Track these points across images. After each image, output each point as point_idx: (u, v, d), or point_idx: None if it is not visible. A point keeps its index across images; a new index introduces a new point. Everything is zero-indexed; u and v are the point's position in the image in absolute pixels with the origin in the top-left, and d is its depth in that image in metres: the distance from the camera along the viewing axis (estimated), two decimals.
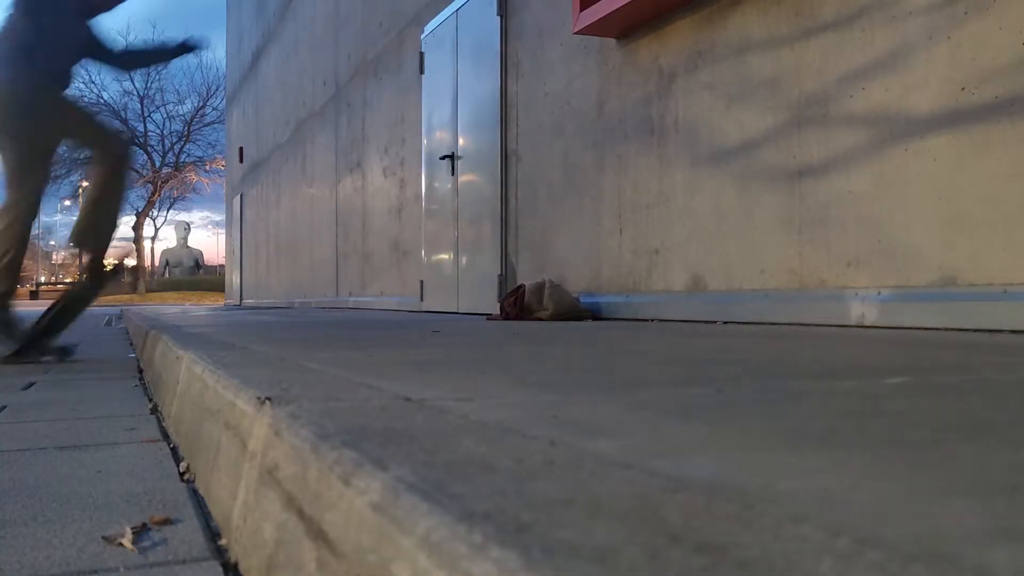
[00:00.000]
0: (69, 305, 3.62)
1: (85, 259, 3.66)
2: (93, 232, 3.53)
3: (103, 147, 3.49)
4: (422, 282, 7.26)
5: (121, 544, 0.90)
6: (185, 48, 3.89)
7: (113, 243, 3.66)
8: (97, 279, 3.61)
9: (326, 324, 4.23)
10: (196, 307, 15.34)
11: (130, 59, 3.81)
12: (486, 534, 0.45)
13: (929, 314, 2.82)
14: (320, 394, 1.07)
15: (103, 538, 0.93)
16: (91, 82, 45.46)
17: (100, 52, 3.67)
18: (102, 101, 37.96)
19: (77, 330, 7.06)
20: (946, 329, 2.73)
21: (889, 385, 1.21)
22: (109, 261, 3.67)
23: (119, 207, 3.61)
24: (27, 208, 3.44)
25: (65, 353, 3.56)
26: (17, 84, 3.35)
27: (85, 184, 3.77)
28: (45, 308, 3.60)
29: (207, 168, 39.59)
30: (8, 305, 3.42)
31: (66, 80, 3.52)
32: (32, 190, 3.43)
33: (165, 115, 40.75)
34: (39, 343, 3.47)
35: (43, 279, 60.80)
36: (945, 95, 2.80)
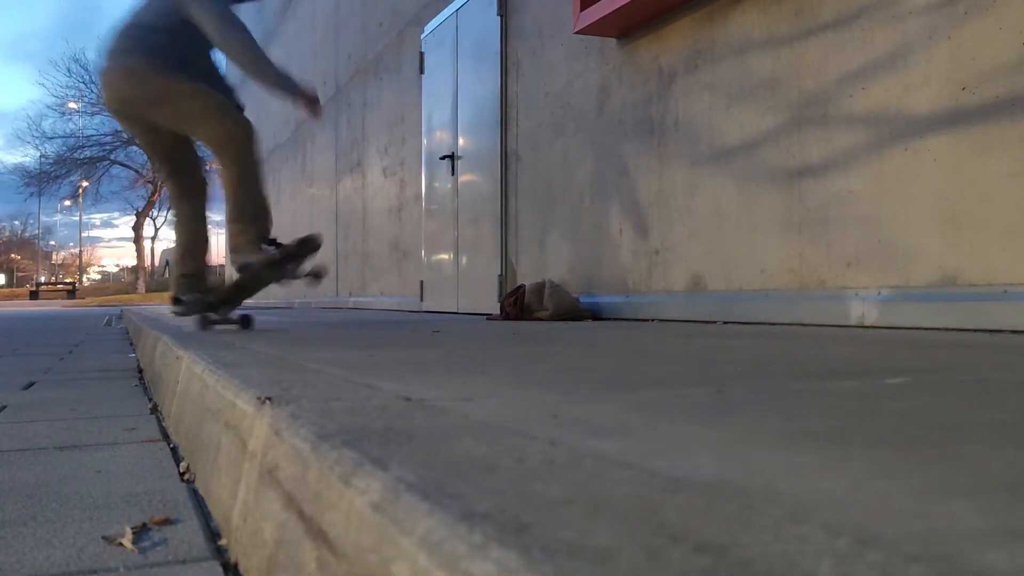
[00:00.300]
0: (250, 281, 3.56)
1: (250, 245, 3.46)
2: (243, 221, 3.42)
3: (219, 147, 3.38)
4: (422, 282, 7.26)
5: (121, 544, 0.90)
6: (299, 94, 3.74)
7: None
8: (274, 267, 3.46)
9: (326, 324, 4.23)
10: None
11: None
12: (486, 534, 0.45)
13: (929, 314, 2.82)
14: (320, 394, 1.07)
15: (103, 538, 0.93)
16: (91, 82, 45.48)
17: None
18: (103, 101, 38.00)
19: (76, 331, 7.06)
20: (946, 329, 2.73)
21: (889, 385, 1.21)
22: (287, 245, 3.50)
23: (258, 184, 3.47)
24: (184, 224, 3.55)
25: (247, 323, 3.61)
26: (109, 72, 3.34)
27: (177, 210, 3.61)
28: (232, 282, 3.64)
29: (207, 168, 39.55)
30: (197, 285, 3.54)
31: (187, 65, 3.39)
32: (183, 205, 3.54)
33: None
34: (219, 311, 3.54)
35: (43, 279, 60.82)
36: (945, 95, 2.80)
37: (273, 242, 3.52)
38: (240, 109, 3.58)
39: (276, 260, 3.45)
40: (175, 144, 3.51)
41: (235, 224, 3.44)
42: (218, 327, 3.47)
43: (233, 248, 3.51)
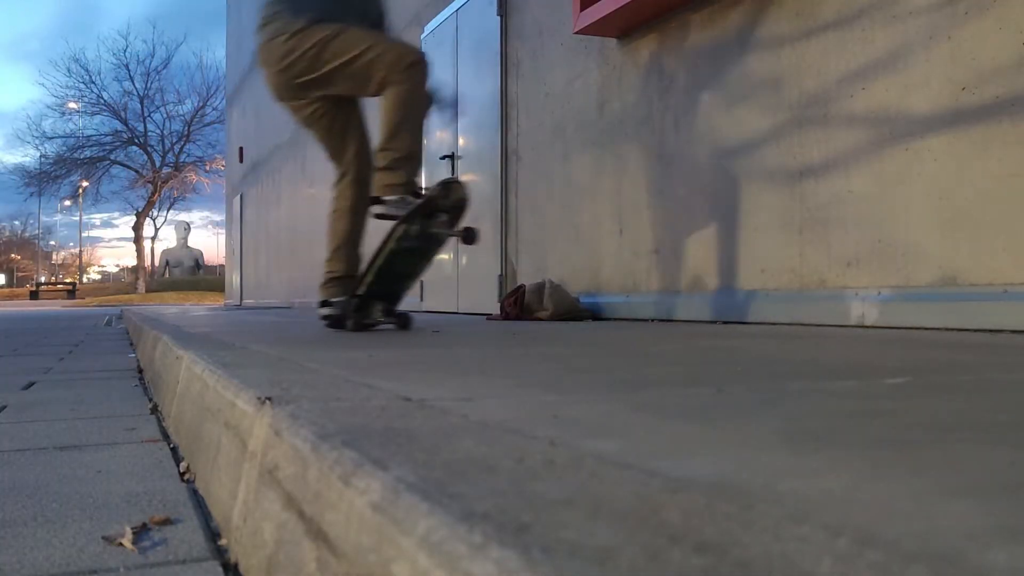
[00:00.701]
0: (391, 261, 3.08)
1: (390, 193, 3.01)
2: (395, 158, 3.00)
3: (387, 64, 3.03)
4: (422, 282, 7.25)
5: (121, 544, 0.90)
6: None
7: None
8: (428, 221, 3.02)
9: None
10: (196, 307, 15.35)
11: None
12: (486, 534, 0.45)
13: (929, 314, 2.82)
14: (320, 394, 1.07)
15: (103, 538, 0.93)
16: (91, 82, 45.49)
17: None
18: (102, 101, 38.03)
19: (76, 331, 7.06)
20: (946, 329, 2.73)
21: (889, 385, 1.21)
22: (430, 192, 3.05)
23: (420, 121, 3.13)
24: (352, 187, 3.18)
25: (405, 322, 3.20)
26: (261, 48, 3.13)
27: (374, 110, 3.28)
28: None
29: (207, 168, 39.65)
30: (350, 286, 3.14)
31: (348, 15, 3.13)
32: (351, 159, 3.18)
33: (165, 115, 40.78)
34: (370, 308, 3.13)
35: (43, 279, 60.86)
36: (945, 95, 2.80)
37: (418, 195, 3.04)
38: None
39: (422, 210, 2.97)
40: (346, 117, 3.24)
41: (385, 159, 2.99)
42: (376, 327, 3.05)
43: (378, 194, 3.05)
